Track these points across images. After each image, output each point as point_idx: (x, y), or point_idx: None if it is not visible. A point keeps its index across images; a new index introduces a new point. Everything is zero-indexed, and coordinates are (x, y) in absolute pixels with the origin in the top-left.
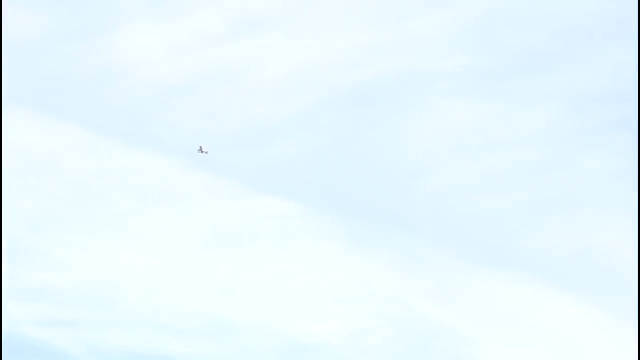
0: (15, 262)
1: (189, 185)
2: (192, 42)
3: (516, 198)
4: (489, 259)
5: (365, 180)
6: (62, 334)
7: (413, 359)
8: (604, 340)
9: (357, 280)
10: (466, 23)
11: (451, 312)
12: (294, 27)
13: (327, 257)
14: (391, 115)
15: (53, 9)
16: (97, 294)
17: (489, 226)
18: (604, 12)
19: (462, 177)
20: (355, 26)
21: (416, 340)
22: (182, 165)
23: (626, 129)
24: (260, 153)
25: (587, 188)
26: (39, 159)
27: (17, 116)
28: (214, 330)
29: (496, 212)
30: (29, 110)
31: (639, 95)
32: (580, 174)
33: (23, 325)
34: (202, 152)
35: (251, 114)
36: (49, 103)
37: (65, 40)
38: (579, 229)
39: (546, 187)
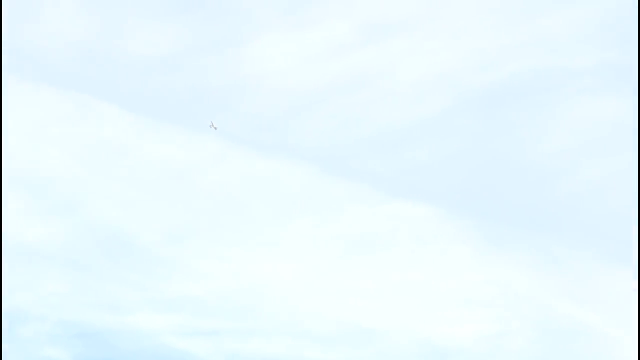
0: (156, 273)
1: (324, 192)
2: (324, 50)
3: None
4: (628, 258)
5: (500, 182)
6: (202, 344)
7: None
8: None
9: (495, 282)
10: (598, 18)
11: (591, 312)
12: (425, 31)
13: (464, 259)
14: (526, 115)
15: (188, 24)
16: (236, 303)
17: (627, 225)
18: None
19: (600, 175)
20: (485, 27)
21: (556, 341)
22: (318, 172)
23: None
24: (395, 158)
25: None
26: (177, 170)
27: (153, 129)
28: (353, 336)
29: (634, 210)
30: (165, 123)
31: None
32: None
33: (164, 336)
34: (213, 127)
35: (385, 119)
36: (185, 115)
37: (200, 53)
38: None
39: None
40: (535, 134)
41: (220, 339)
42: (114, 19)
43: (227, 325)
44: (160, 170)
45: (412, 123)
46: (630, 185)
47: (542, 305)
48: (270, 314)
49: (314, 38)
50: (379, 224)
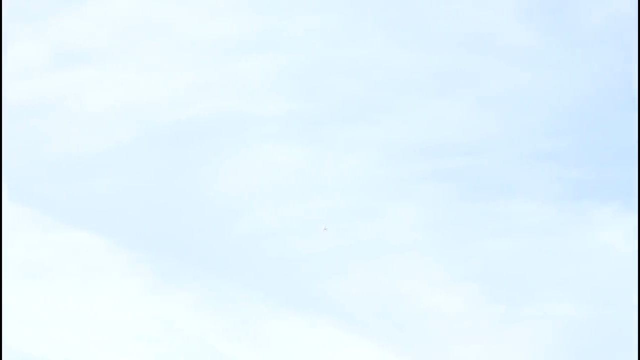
0: None
1: None
2: (11, 71)
3: (329, 243)
4: (295, 302)
5: (177, 219)
6: None
7: None
8: None
9: (161, 318)
10: (289, 68)
11: (254, 353)
12: (118, 62)
13: (132, 293)
14: (209, 156)
15: None
16: None
17: (300, 270)
18: (427, 67)
19: (277, 220)
20: (179, 65)
21: None
22: None
23: (439, 180)
24: (72, 185)
25: (395, 236)
26: None
27: None
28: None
29: (308, 256)
30: None
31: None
32: (390, 223)
33: None
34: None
35: (67, 146)
36: None
37: None
38: (386, 276)
39: (359, 234)
40: (217, 175)
41: None
42: None
43: None
44: None
45: (94, 153)
46: (307, 229)
47: (206, 343)
48: None
49: (2, 59)
50: (48, 251)
